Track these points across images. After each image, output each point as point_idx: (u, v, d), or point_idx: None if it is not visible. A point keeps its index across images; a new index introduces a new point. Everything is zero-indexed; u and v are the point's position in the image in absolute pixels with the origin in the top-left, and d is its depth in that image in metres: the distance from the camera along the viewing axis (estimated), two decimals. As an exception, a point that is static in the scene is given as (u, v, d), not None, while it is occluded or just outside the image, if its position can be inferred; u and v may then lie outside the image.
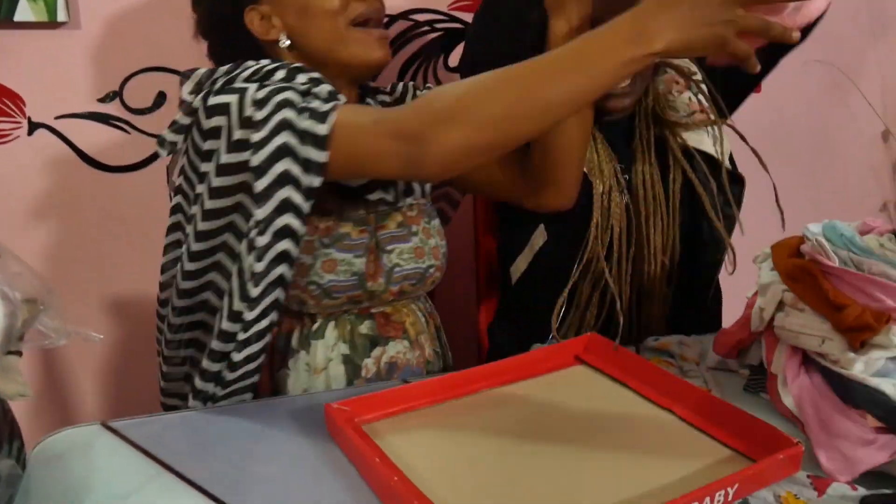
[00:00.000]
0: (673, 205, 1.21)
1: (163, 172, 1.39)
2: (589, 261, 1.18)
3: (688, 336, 1.13)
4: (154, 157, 1.40)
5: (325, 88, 0.91)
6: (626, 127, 1.23)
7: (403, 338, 1.09)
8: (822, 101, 1.78)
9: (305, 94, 0.89)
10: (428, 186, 1.14)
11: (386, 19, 1.13)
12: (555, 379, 0.98)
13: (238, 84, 0.90)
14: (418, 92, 1.15)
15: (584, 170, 1.14)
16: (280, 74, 0.92)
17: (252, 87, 0.89)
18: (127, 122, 1.38)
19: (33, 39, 1.31)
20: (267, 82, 0.91)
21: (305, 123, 0.86)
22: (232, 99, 0.89)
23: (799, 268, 0.95)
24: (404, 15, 1.46)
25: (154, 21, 1.35)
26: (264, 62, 0.94)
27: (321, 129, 0.86)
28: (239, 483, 0.76)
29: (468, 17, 1.50)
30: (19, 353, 0.74)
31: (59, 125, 1.36)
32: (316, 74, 0.94)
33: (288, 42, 1.02)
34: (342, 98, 0.92)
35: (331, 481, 0.77)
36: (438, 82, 1.52)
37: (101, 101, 1.36)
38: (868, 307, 0.86)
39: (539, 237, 1.21)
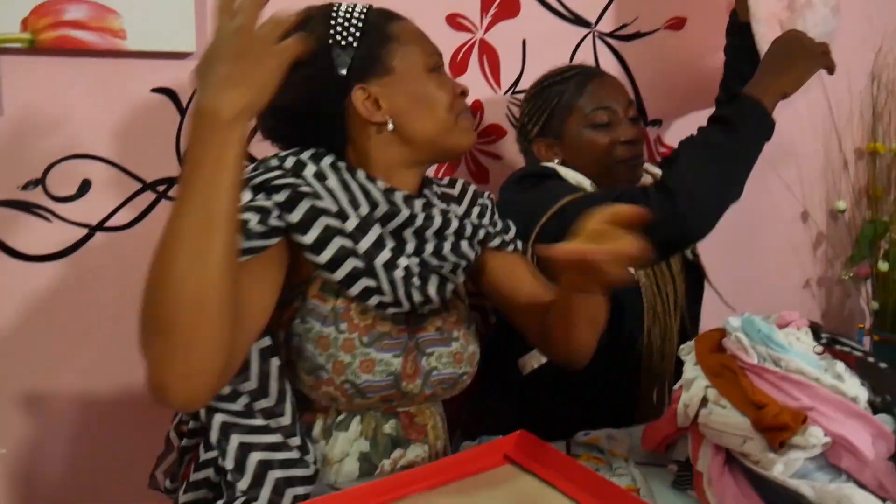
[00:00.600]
0: (679, 293, 1.34)
1: (85, 260, 1.35)
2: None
3: (617, 429, 1.14)
4: (77, 245, 1.36)
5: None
6: None
7: (424, 441, 1.07)
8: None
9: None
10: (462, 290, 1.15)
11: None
12: (483, 480, 0.96)
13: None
14: (480, 199, 1.18)
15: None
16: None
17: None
18: (49, 211, 1.34)
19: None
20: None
21: None
22: None
23: (720, 364, 0.97)
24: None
25: (79, 108, 1.33)
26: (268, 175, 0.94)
27: None
28: None
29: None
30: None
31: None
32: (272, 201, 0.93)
33: (393, 126, 1.01)
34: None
35: None
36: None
37: (23, 188, 1.32)
38: (786, 406, 0.87)
39: None
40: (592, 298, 1.01)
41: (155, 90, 1.37)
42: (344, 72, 0.99)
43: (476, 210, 1.16)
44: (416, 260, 1.03)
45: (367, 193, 0.99)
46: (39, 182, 1.33)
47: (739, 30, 1.43)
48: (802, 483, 0.83)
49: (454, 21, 1.52)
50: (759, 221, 1.90)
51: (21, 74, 1.29)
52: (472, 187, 1.19)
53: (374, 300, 0.98)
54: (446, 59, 1.50)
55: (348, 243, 0.96)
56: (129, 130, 1.36)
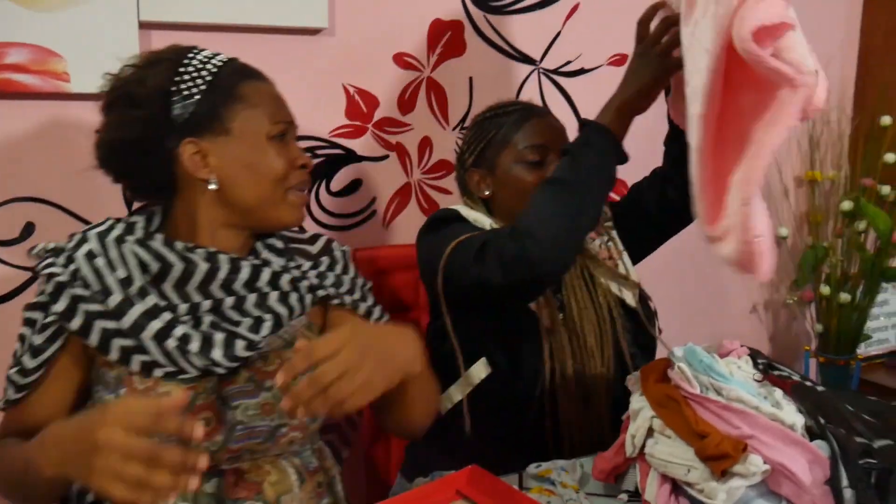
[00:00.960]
0: (602, 314, 1.30)
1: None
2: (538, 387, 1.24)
3: (568, 460, 1.15)
4: (21, 288, 1.34)
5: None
6: None
7: (257, 499, 1.00)
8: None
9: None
10: (297, 328, 1.07)
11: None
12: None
13: None
14: (330, 255, 1.13)
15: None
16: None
17: None
18: (-9, 255, 1.32)
19: None
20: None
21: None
22: None
23: (665, 394, 0.99)
24: (286, 142, 1.48)
25: (22, 151, 1.32)
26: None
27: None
28: None
29: (348, 144, 1.53)
30: None
31: None
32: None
33: (216, 186, 1.00)
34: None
35: None
36: (321, 207, 1.54)
37: (-36, 233, 1.30)
38: (728, 435, 0.90)
39: (481, 370, 1.22)
40: (418, 383, 0.98)
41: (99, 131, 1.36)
42: (180, 121, 0.98)
43: (323, 263, 1.11)
44: (201, 323, 0.99)
45: (159, 258, 0.99)
46: (-19, 226, 1.31)
47: (675, 136, 1.37)
48: (744, 511, 0.85)
49: (401, 60, 1.54)
50: (703, 249, 1.94)
51: (-38, 118, 1.28)
52: (332, 243, 1.15)
53: (157, 371, 0.96)
54: (393, 98, 1.54)
55: (110, 324, 0.95)
56: (72, 172, 1.35)
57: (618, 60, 1.73)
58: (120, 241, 1.00)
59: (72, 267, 0.97)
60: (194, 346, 0.96)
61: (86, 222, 1.36)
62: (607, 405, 1.28)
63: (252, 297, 1.02)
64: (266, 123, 1.01)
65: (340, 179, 1.54)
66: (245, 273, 1.02)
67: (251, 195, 1.01)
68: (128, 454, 0.73)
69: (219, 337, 0.98)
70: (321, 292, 1.08)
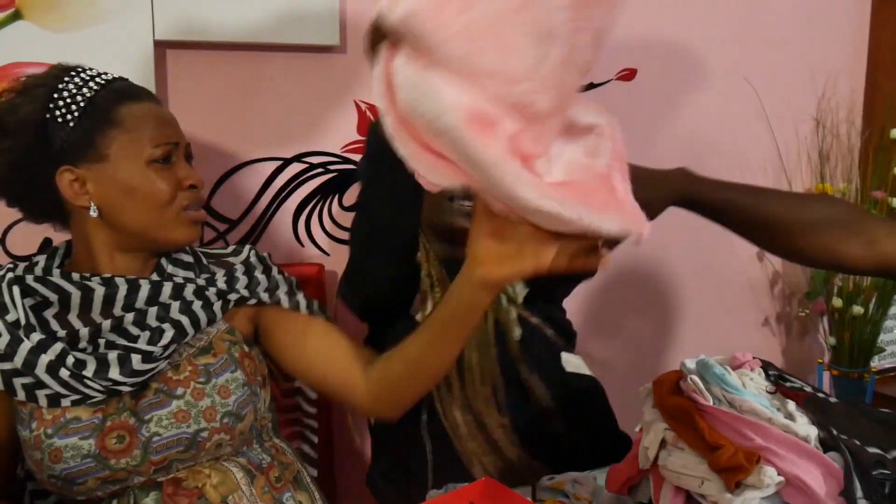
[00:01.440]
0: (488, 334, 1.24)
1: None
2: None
3: (582, 472, 1.15)
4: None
5: None
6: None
7: (199, 502, 1.01)
8: (697, 227, 1.89)
9: None
10: (214, 335, 1.08)
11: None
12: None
13: None
14: (253, 258, 1.14)
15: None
16: None
17: None
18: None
19: None
20: None
21: None
22: None
23: (677, 406, 0.99)
24: (298, 158, 1.49)
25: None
26: None
27: None
28: None
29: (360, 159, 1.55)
30: None
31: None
32: None
33: (97, 213, 1.01)
34: None
35: None
36: (334, 222, 1.55)
37: (-21, 251, 1.32)
38: (741, 447, 0.90)
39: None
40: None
41: None
42: (55, 149, 0.98)
43: (238, 269, 1.11)
44: (99, 345, 1.01)
45: (58, 290, 1.01)
46: (0, 243, 1.33)
47: None
48: (758, 522, 0.85)
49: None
50: (716, 262, 1.94)
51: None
52: (251, 251, 1.15)
53: (65, 401, 0.99)
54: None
55: (7, 366, 0.98)
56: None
57: (626, 75, 1.75)
58: (10, 284, 1.01)
59: None
60: (89, 370, 0.98)
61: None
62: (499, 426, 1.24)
63: (153, 311, 1.03)
64: (146, 147, 1.00)
65: (352, 194, 1.56)
66: (144, 291, 1.03)
67: (136, 220, 1.01)
68: None
69: (112, 356, 0.99)
70: (232, 296, 1.08)
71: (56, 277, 1.02)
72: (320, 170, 1.52)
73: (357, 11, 1.50)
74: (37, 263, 1.06)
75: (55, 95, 0.98)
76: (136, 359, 0.99)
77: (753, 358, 1.06)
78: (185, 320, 1.04)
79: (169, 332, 1.02)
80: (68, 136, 0.98)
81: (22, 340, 0.98)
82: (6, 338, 0.98)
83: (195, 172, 1.05)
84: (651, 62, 1.76)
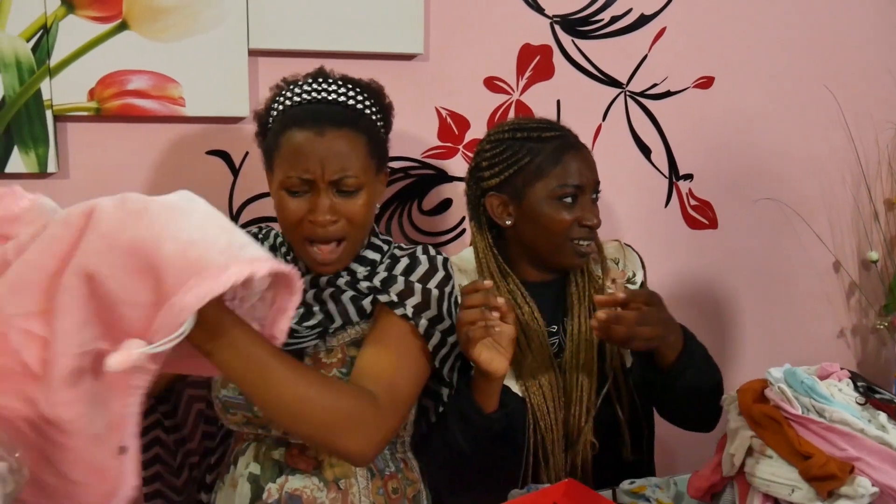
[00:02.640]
0: (597, 353, 1.27)
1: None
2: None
3: (662, 478, 1.15)
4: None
5: None
6: (556, 290, 1.32)
7: (313, 474, 1.10)
8: (773, 236, 1.88)
9: None
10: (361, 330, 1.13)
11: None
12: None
13: None
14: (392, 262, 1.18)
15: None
16: None
17: None
18: (109, 267, 1.41)
19: (24, 188, 1.35)
20: None
21: None
22: None
23: (764, 414, 0.99)
24: (381, 162, 1.54)
25: (139, 170, 1.41)
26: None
27: None
28: None
29: (440, 164, 1.58)
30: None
31: (41, 271, 1.39)
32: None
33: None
34: None
35: None
36: (413, 225, 1.59)
37: (85, 246, 1.39)
38: (833, 456, 0.90)
39: None
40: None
41: (209, 152, 1.45)
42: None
43: (400, 267, 1.15)
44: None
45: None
46: (101, 241, 1.40)
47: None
48: (851, 532, 0.85)
49: (492, 84, 1.59)
50: (792, 272, 1.92)
51: (86, 140, 1.38)
52: (427, 251, 1.18)
53: None
54: (483, 120, 1.58)
55: None
56: (186, 189, 1.43)
57: (703, 83, 1.74)
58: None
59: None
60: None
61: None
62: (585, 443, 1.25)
63: (311, 293, 1.12)
64: (282, 175, 1.09)
65: (431, 199, 1.59)
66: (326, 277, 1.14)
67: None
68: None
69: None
70: (383, 297, 1.11)
71: (280, 256, 1.18)
72: (401, 174, 1.55)
73: (440, 20, 1.53)
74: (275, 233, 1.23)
75: (274, 104, 1.14)
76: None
77: (842, 369, 1.06)
78: (332, 309, 1.11)
79: (318, 317, 1.11)
80: (265, 140, 1.14)
81: None
82: None
83: (320, 208, 1.07)
84: (728, 70, 1.75)
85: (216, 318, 0.80)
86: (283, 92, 1.13)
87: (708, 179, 1.79)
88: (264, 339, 0.86)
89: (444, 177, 1.59)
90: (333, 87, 1.11)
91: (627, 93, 1.69)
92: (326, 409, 0.93)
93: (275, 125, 1.11)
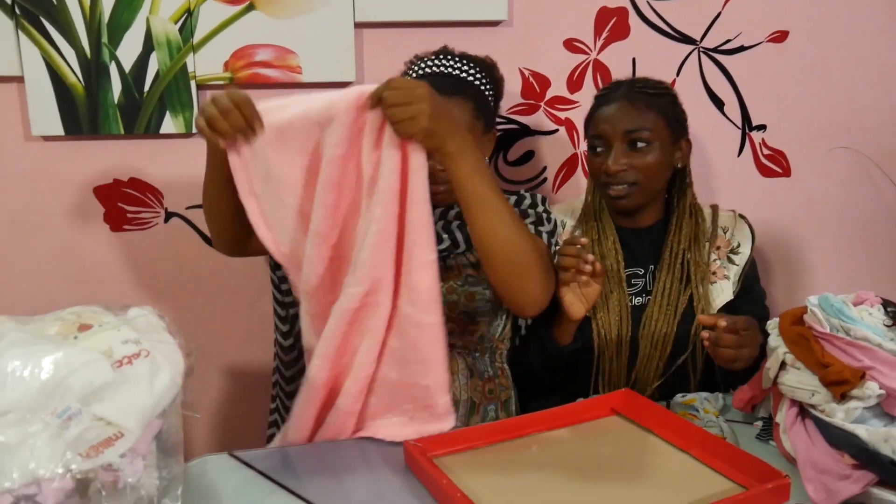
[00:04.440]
0: (679, 307, 1.42)
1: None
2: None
3: (711, 392, 1.31)
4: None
5: None
6: (653, 238, 1.47)
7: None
8: (849, 184, 1.94)
9: None
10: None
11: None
12: (593, 427, 1.17)
13: None
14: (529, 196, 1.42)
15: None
16: None
17: None
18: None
19: (173, 146, 1.63)
20: None
21: None
22: None
23: (798, 333, 1.14)
24: (470, 119, 1.72)
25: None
26: None
27: None
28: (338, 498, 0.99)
29: (524, 120, 1.76)
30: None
31: (189, 214, 1.67)
32: None
33: None
34: None
35: (410, 500, 0.99)
36: (500, 175, 1.77)
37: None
38: (849, 365, 1.04)
39: None
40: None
41: (323, 113, 1.68)
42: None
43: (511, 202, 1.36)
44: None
45: None
46: (235, 189, 1.67)
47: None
48: (858, 426, 0.99)
49: (571, 45, 1.74)
50: (869, 219, 1.97)
51: (222, 105, 1.63)
52: (524, 191, 1.43)
53: None
54: (563, 79, 1.74)
55: None
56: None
57: (777, 37, 1.82)
58: None
59: None
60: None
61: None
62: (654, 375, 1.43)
63: (440, 224, 1.32)
64: None
65: (516, 151, 1.77)
66: (437, 212, 1.33)
67: None
68: (215, 101, 1.13)
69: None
70: None
71: None
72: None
73: (523, -11, 1.69)
74: None
75: (405, 75, 1.35)
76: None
77: (876, 296, 1.18)
78: (460, 237, 1.34)
79: (445, 243, 1.33)
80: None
81: None
82: None
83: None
84: (802, 24, 1.82)
85: (463, 143, 1.09)
86: (413, 66, 1.35)
87: (781, 130, 1.88)
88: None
89: (527, 131, 1.77)
90: (451, 62, 1.33)
91: (701, 49, 1.79)
92: (527, 251, 1.17)
93: None
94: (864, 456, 0.98)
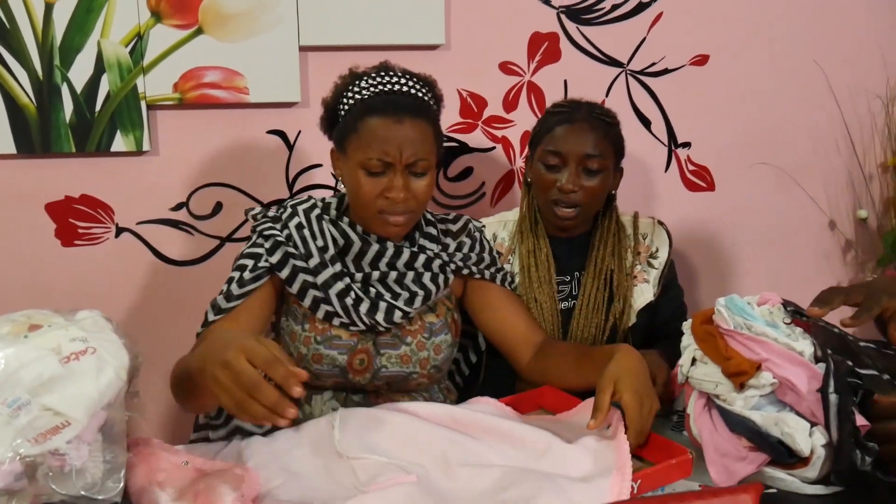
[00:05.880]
0: (603, 311, 1.52)
1: (217, 264, 1.73)
2: None
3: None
4: (212, 252, 1.75)
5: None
6: (579, 247, 1.55)
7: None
8: (769, 197, 2.08)
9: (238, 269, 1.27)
10: (439, 297, 1.35)
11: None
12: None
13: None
14: (468, 235, 1.40)
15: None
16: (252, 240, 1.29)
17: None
18: (191, 227, 1.74)
19: (123, 164, 1.69)
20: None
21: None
22: None
23: (706, 331, 1.24)
24: (411, 137, 1.81)
25: (213, 147, 1.73)
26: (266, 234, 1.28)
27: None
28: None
29: (462, 138, 1.85)
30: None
31: (139, 229, 1.73)
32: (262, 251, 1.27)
33: (343, 189, 1.31)
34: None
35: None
36: (440, 190, 1.86)
37: (173, 209, 1.73)
38: (748, 358, 1.14)
39: None
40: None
41: (269, 132, 1.75)
42: (334, 131, 1.29)
43: (465, 244, 1.38)
44: (370, 290, 1.27)
45: (344, 236, 1.28)
46: (184, 205, 1.73)
47: None
48: (754, 413, 1.09)
49: (506, 67, 1.84)
50: (789, 231, 2.11)
51: (172, 124, 1.70)
52: (470, 224, 1.41)
53: (336, 321, 1.26)
54: (499, 99, 1.84)
55: (309, 278, 1.24)
56: (249, 163, 1.75)
57: (699, 61, 1.95)
58: (319, 218, 1.30)
59: (286, 232, 1.27)
60: (363, 308, 1.26)
61: (259, 202, 1.76)
62: None
63: (410, 275, 1.30)
64: (362, 156, 1.21)
65: (456, 167, 1.87)
66: (405, 256, 1.30)
67: (355, 208, 1.29)
68: (237, 376, 0.84)
69: (382, 305, 1.27)
70: (465, 271, 1.36)
71: (345, 225, 1.29)
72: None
73: (459, 14, 1.79)
74: (329, 204, 1.33)
75: (350, 86, 1.26)
76: (397, 314, 1.27)
77: (777, 297, 1.29)
78: (432, 289, 1.30)
79: (419, 297, 1.29)
80: (340, 123, 1.27)
81: (327, 266, 1.25)
82: (316, 259, 1.25)
83: (396, 187, 1.22)
84: (722, 48, 1.95)
85: None
86: (356, 82, 1.26)
87: (705, 147, 2.00)
88: None
89: (465, 148, 1.86)
90: (402, 79, 1.26)
91: (628, 71, 1.92)
92: None
93: (352, 112, 1.23)
94: (757, 438, 1.07)
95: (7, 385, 0.80)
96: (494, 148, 1.88)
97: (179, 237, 1.74)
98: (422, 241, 1.34)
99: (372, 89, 1.24)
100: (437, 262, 1.33)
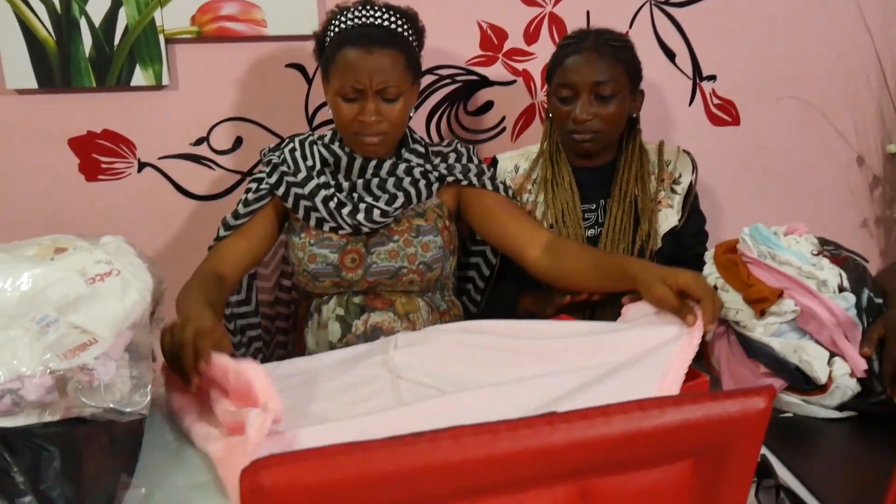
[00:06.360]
0: (629, 235, 1.52)
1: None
2: None
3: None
4: (233, 187, 1.76)
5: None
6: (604, 176, 1.55)
7: (389, 310, 1.40)
8: (796, 132, 2.04)
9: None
10: (429, 206, 1.46)
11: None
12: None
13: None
14: (457, 151, 1.51)
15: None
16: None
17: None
18: (212, 161, 1.74)
19: (144, 99, 1.69)
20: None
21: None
22: None
23: (729, 259, 1.23)
24: (430, 70, 1.79)
25: (233, 82, 1.72)
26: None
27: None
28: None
29: (483, 71, 1.83)
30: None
31: (161, 164, 1.74)
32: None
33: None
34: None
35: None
36: (460, 124, 1.85)
37: (194, 144, 1.73)
38: (770, 286, 1.13)
39: None
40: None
41: (288, 65, 1.74)
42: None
43: (451, 157, 1.48)
44: (354, 196, 1.40)
45: (333, 154, 1.42)
46: (205, 139, 1.73)
47: None
48: (774, 339, 1.09)
49: (527, -2, 1.81)
50: (815, 166, 2.07)
51: (191, 58, 1.69)
52: (457, 143, 1.52)
53: (325, 226, 1.41)
54: (520, 31, 1.81)
55: (299, 191, 1.40)
56: (268, 98, 1.74)
57: (722, -11, 1.89)
58: (312, 143, 1.47)
59: (282, 157, 1.45)
60: (346, 210, 1.39)
61: (279, 136, 1.76)
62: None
63: (391, 181, 1.42)
64: (338, 83, 1.35)
65: (475, 101, 1.85)
66: (386, 166, 1.42)
67: (339, 129, 1.43)
68: (183, 343, 0.99)
69: (362, 206, 1.40)
70: (450, 178, 1.44)
71: (336, 146, 1.44)
72: (448, 80, 1.81)
73: (480, -57, 1.75)
74: (325, 135, 1.48)
75: (329, 25, 1.39)
76: (376, 212, 1.39)
77: (805, 228, 1.28)
78: (412, 192, 1.41)
79: (400, 199, 1.41)
80: (324, 53, 1.40)
81: (313, 178, 1.41)
82: (303, 174, 1.42)
83: (367, 111, 1.35)
84: (752, -24, 1.90)
85: None
86: (338, 16, 1.39)
87: (731, 80, 1.96)
88: None
89: (486, 82, 1.84)
90: (378, 13, 1.37)
91: (653, 2, 1.87)
92: None
93: (331, 44, 1.37)
94: (775, 364, 1.08)
95: (35, 303, 0.81)
96: (515, 81, 1.85)
97: (201, 172, 1.75)
98: (407, 156, 1.45)
99: (349, 23, 1.36)
100: (418, 170, 1.43)
